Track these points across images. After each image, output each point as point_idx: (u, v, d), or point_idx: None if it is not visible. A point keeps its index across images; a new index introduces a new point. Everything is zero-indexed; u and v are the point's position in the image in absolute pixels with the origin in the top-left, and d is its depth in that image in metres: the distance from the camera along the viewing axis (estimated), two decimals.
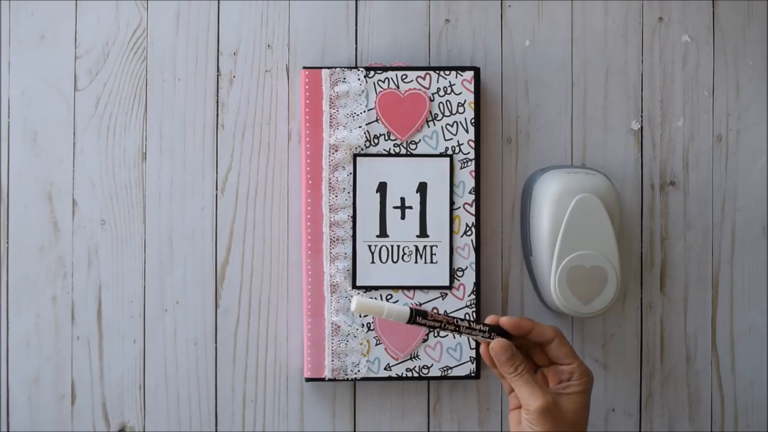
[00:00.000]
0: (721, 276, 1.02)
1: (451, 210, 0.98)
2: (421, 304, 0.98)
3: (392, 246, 0.98)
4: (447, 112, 0.98)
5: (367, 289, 0.98)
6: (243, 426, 1.00)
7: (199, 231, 1.00)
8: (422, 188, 0.98)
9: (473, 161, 0.98)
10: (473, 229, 0.98)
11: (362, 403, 1.00)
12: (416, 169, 0.98)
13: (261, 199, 1.00)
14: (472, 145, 0.98)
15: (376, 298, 0.97)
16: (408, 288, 0.98)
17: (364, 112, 0.98)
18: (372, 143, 0.98)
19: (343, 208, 0.98)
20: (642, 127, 1.01)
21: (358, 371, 0.98)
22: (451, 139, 0.98)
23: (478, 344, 0.98)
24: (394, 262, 0.98)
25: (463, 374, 0.98)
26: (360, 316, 0.98)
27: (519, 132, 1.01)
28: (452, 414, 1.01)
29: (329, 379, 0.98)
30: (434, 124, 0.98)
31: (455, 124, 0.98)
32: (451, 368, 0.98)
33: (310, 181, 0.98)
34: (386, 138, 0.98)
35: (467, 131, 0.98)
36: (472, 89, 0.98)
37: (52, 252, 0.99)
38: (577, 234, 0.93)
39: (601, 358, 1.01)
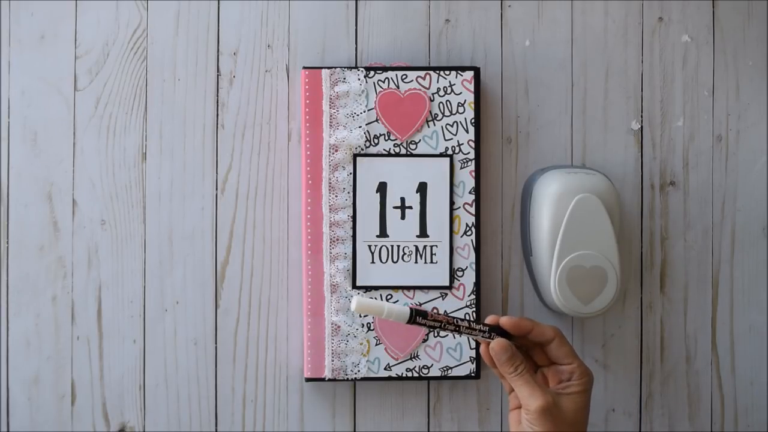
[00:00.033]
0: (721, 276, 1.02)
1: (451, 210, 0.98)
2: (421, 304, 0.98)
3: (392, 246, 0.98)
4: (447, 112, 0.98)
5: (367, 289, 0.98)
6: (243, 426, 1.00)
7: (199, 231, 1.00)
8: (422, 188, 0.98)
9: (473, 161, 0.98)
10: (473, 229, 0.98)
11: (362, 403, 1.00)
12: (416, 169, 0.98)
13: (261, 199, 1.00)
14: (472, 145, 0.98)
15: (376, 298, 0.97)
16: (408, 288, 0.98)
17: (364, 112, 0.98)
18: (372, 143, 0.98)
19: (343, 208, 0.98)
20: (642, 127, 1.02)
21: (358, 371, 0.98)
22: (451, 139, 0.98)
23: (478, 344, 0.98)
24: (394, 262, 0.98)
25: (463, 374, 0.98)
26: (360, 316, 0.98)
27: (519, 132, 1.01)
28: (452, 414, 1.01)
29: (329, 379, 0.98)
30: (434, 124, 0.98)
31: (455, 124, 0.98)
32: (451, 368, 0.98)
33: (310, 181, 0.98)
34: (386, 138, 0.98)
35: (467, 131, 0.98)
36: (472, 89, 0.98)
37: (52, 252, 0.99)
38: (577, 234, 0.93)
39: (601, 358, 1.01)
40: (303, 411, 1.00)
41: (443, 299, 0.98)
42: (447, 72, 0.98)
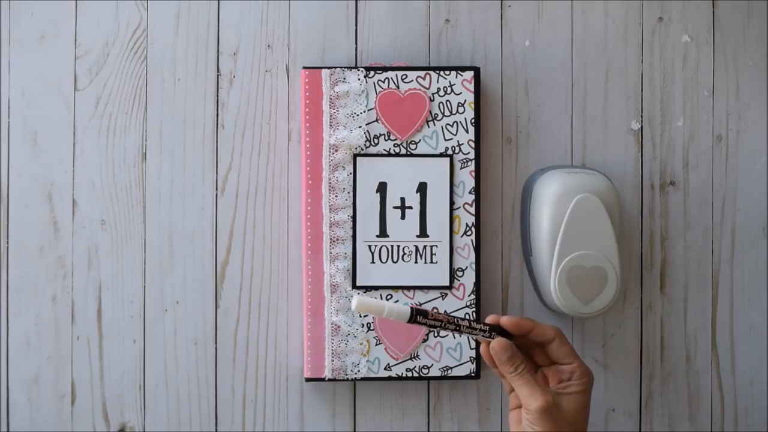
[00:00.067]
0: (721, 276, 1.02)
1: (451, 210, 0.98)
2: (420, 304, 0.98)
3: (392, 246, 0.98)
4: (447, 112, 0.98)
5: (367, 289, 0.98)
6: (243, 426, 1.00)
7: (199, 231, 1.00)
8: (422, 188, 0.98)
9: (473, 161, 0.98)
10: (473, 229, 0.98)
11: (362, 403, 1.00)
12: (416, 169, 0.98)
13: (261, 199, 1.00)
14: (472, 145, 0.98)
15: (376, 298, 0.97)
16: (408, 288, 0.98)
17: (364, 112, 0.98)
18: (372, 143, 0.98)
19: (343, 208, 0.98)
20: (642, 127, 1.02)
21: (358, 371, 0.98)
22: (451, 139, 0.98)
23: (478, 344, 0.98)
24: (394, 262, 0.98)
25: (463, 374, 0.98)
26: (360, 316, 0.98)
27: (519, 132, 1.01)
28: (452, 414, 1.01)
29: (329, 379, 0.98)
30: (434, 124, 0.98)
31: (455, 124, 0.98)
32: (451, 368, 0.98)
33: (310, 181, 0.98)
34: (386, 138, 0.98)
35: (467, 131, 0.98)
36: (472, 89, 0.98)
37: (52, 252, 0.99)
38: (577, 234, 0.93)
39: (601, 358, 1.01)
40: (303, 411, 1.00)
41: (443, 299, 0.98)
42: (447, 72, 0.98)
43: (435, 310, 0.97)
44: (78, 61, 0.99)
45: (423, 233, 0.98)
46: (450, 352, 0.98)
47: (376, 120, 0.98)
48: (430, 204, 0.98)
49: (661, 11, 1.01)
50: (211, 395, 0.99)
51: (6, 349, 0.99)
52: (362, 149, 0.98)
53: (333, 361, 0.97)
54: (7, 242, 0.99)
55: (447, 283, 0.98)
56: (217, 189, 1.00)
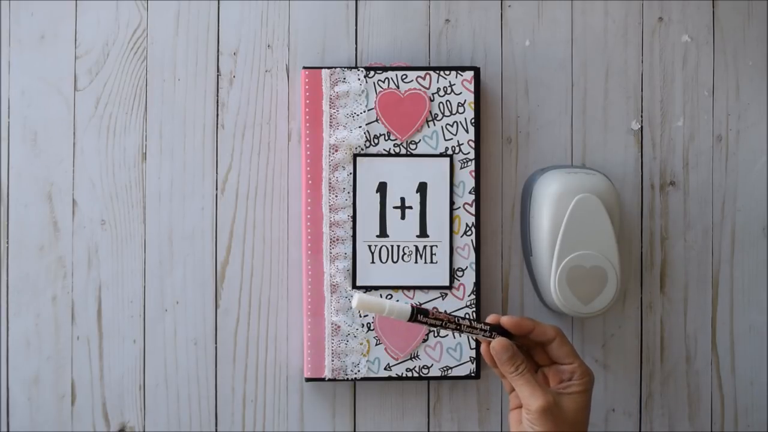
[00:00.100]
0: (721, 276, 1.02)
1: (451, 210, 0.98)
2: (421, 304, 0.98)
3: (392, 246, 0.98)
4: (447, 112, 0.98)
5: (367, 289, 0.98)
6: (243, 426, 1.00)
7: (199, 231, 1.00)
8: (422, 188, 0.98)
9: (473, 161, 0.98)
10: (473, 229, 0.98)
11: (362, 403, 1.00)
12: (416, 169, 0.98)
13: (261, 199, 1.00)
14: (472, 145, 0.98)
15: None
16: (408, 288, 0.98)
17: (364, 112, 0.98)
18: (372, 143, 0.98)
19: (343, 208, 0.98)
20: (642, 127, 1.01)
21: (358, 371, 0.98)
22: (451, 139, 0.98)
23: (478, 344, 0.98)
24: (394, 262, 0.98)
25: (463, 374, 0.98)
26: (360, 316, 0.98)
27: (519, 132, 1.01)
28: (452, 414, 1.01)
29: (329, 379, 0.98)
30: (434, 124, 0.98)
31: (455, 124, 0.98)
32: (451, 368, 0.98)
33: (310, 181, 0.98)
34: (386, 138, 0.98)
35: (467, 131, 0.98)
36: (472, 89, 0.98)
37: (52, 252, 0.99)
38: (577, 234, 0.93)
39: (601, 358, 1.01)
40: (303, 411, 1.00)
41: (443, 299, 0.98)
42: (447, 72, 0.98)
43: (435, 310, 0.97)
44: (78, 61, 0.99)
45: (423, 233, 0.98)
46: (450, 352, 0.98)
47: (376, 120, 0.98)
48: (430, 204, 0.98)
49: (661, 11, 1.01)
50: (211, 395, 0.99)
51: (6, 349, 0.99)
52: (362, 149, 0.98)
53: (333, 361, 0.97)
54: (7, 242, 0.99)
55: (447, 283, 0.98)
56: (217, 189, 1.00)
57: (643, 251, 1.01)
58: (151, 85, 0.99)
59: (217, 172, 1.00)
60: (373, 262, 0.98)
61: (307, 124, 0.98)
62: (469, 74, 0.98)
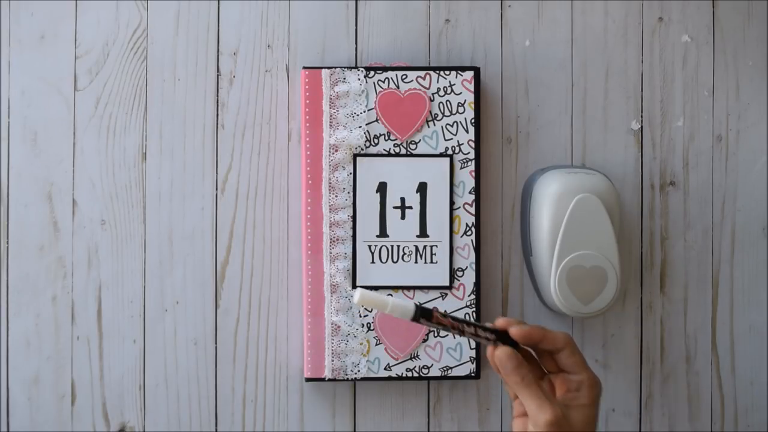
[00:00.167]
0: (721, 276, 1.02)
1: (451, 210, 0.98)
2: (422, 304, 0.98)
3: (392, 246, 0.98)
4: (447, 112, 0.98)
5: (367, 289, 0.98)
6: (243, 426, 1.00)
7: (199, 231, 1.00)
8: (422, 188, 0.98)
9: (473, 161, 0.98)
10: (473, 229, 0.98)
11: (362, 403, 1.00)
12: (416, 169, 0.98)
13: (261, 199, 1.00)
14: (472, 145, 0.98)
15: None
16: (408, 288, 0.98)
17: (364, 112, 0.98)
18: (372, 143, 0.98)
19: (343, 208, 0.98)
20: (642, 127, 1.02)
21: (358, 371, 0.98)
22: (451, 139, 0.98)
23: (478, 343, 0.98)
24: (394, 262, 0.98)
25: (463, 374, 0.98)
26: (360, 315, 0.98)
27: (519, 132, 1.01)
28: (452, 414, 1.01)
29: (329, 379, 0.98)
30: (434, 124, 0.98)
31: (455, 124, 0.98)
32: (451, 368, 0.98)
33: (310, 181, 0.98)
34: (386, 138, 0.98)
35: (467, 131, 0.98)
36: (472, 89, 0.98)
37: (52, 252, 0.99)
38: (577, 234, 0.93)
39: (601, 358, 1.01)
40: (303, 411, 1.00)
41: (443, 299, 0.98)
42: (447, 72, 0.98)
43: (437, 309, 0.97)
44: (78, 61, 0.99)
45: (423, 233, 0.98)
46: (450, 352, 0.98)
47: (376, 120, 0.98)
48: (430, 204, 0.98)
49: (661, 11, 1.01)
50: (211, 395, 0.99)
51: (6, 349, 0.99)
52: (362, 149, 0.98)
53: (333, 361, 0.97)
54: (7, 242, 0.99)
55: (447, 283, 0.98)
56: (217, 189, 1.00)
57: (643, 251, 1.01)
58: (151, 85, 0.99)
59: (217, 172, 1.00)
60: (373, 262, 0.98)
61: (307, 124, 0.98)
62: (469, 74, 0.98)
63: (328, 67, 0.98)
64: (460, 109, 0.98)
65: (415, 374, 0.98)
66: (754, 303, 1.02)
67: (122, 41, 0.99)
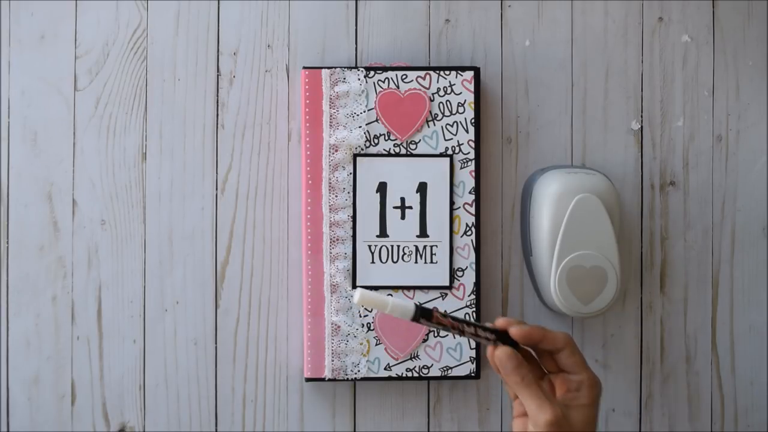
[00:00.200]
0: (721, 276, 1.02)
1: (451, 210, 0.98)
2: (421, 304, 0.98)
3: (392, 246, 0.98)
4: (447, 112, 0.98)
5: (367, 289, 0.98)
6: (243, 426, 1.00)
7: (199, 231, 1.00)
8: (422, 188, 0.98)
9: (473, 161, 0.98)
10: (473, 229, 0.98)
11: (362, 403, 1.00)
12: (416, 169, 0.98)
13: (261, 199, 1.00)
14: (472, 145, 0.98)
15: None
16: (408, 288, 0.98)
17: (364, 112, 0.98)
18: (372, 143, 0.98)
19: (343, 208, 0.98)
20: (642, 127, 1.02)
21: (358, 371, 0.98)
22: (451, 139, 0.98)
23: (478, 343, 0.98)
24: (394, 262, 0.98)
25: (463, 374, 0.98)
26: (360, 316, 0.98)
27: (519, 132, 1.01)
28: (452, 414, 1.01)
29: (329, 379, 0.98)
30: (434, 124, 0.98)
31: (455, 124, 0.98)
32: (451, 368, 0.98)
33: (310, 181, 0.98)
34: (386, 138, 0.98)
35: (467, 131, 0.98)
36: (472, 89, 0.98)
37: (52, 252, 0.99)
38: (577, 234, 0.93)
39: (601, 358, 1.01)
40: (303, 411, 1.00)
41: (443, 299, 0.98)
42: (447, 72, 0.98)
43: (437, 310, 0.97)
44: (78, 61, 0.99)
45: (423, 233, 0.98)
46: (450, 352, 0.98)
47: (376, 120, 0.98)
48: (430, 204, 0.98)
49: (661, 11, 1.01)
50: (211, 395, 0.99)
51: (6, 349, 0.99)
52: (362, 149, 0.98)
53: (333, 361, 0.97)
54: (7, 242, 0.99)
55: (447, 283, 0.98)
56: (217, 189, 1.00)
57: (643, 251, 1.01)
58: (151, 85, 0.99)
59: (217, 172, 1.00)
60: (373, 262, 0.98)
61: (307, 124, 0.98)
62: (469, 74, 0.98)
63: (328, 67, 0.98)
64: (460, 109, 0.98)
65: (415, 374, 0.98)
66: (754, 303, 1.02)
67: (122, 41, 0.99)
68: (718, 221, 1.02)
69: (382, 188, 0.98)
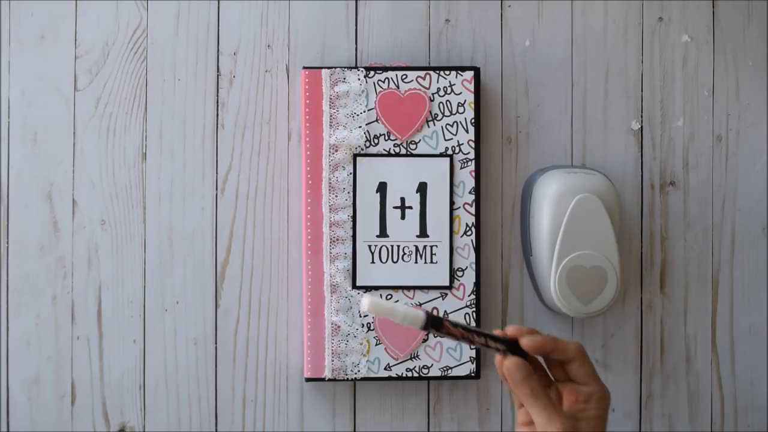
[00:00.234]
0: (721, 276, 1.02)
1: (451, 210, 0.98)
2: (420, 304, 0.98)
3: (392, 246, 0.98)
4: (447, 112, 0.98)
5: (367, 289, 0.98)
6: (243, 426, 0.99)
7: (199, 231, 1.00)
8: (422, 188, 0.98)
9: (473, 161, 0.98)
10: (473, 229, 0.98)
11: (362, 403, 1.00)
12: (416, 169, 0.98)
13: (261, 199, 1.00)
14: (472, 145, 0.98)
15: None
16: (408, 288, 0.98)
17: (364, 112, 0.98)
18: (372, 143, 0.98)
19: (343, 208, 0.98)
20: (642, 127, 1.01)
21: (358, 371, 0.98)
22: (451, 139, 0.98)
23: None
24: (394, 262, 0.98)
25: (463, 374, 0.98)
26: (360, 316, 0.98)
27: (519, 132, 1.01)
28: (452, 414, 1.01)
29: (329, 379, 0.98)
30: (434, 124, 0.98)
31: (455, 124, 0.98)
32: (451, 368, 0.98)
33: (310, 181, 0.98)
34: (386, 138, 0.98)
35: (467, 131, 0.98)
36: (472, 89, 0.98)
37: (52, 252, 0.99)
38: (577, 234, 0.93)
39: (601, 358, 1.01)
40: (303, 411, 1.00)
41: (443, 299, 0.98)
42: (447, 72, 0.98)
43: (447, 316, 0.96)
44: (78, 61, 0.99)
45: (423, 233, 0.98)
46: (450, 352, 0.98)
47: (376, 120, 0.98)
48: (430, 204, 0.98)
49: (661, 11, 1.01)
50: (211, 395, 0.99)
51: (6, 349, 0.99)
52: (362, 149, 0.98)
53: (333, 361, 0.97)
54: (7, 242, 0.99)
55: (447, 283, 0.98)
56: (217, 189, 1.00)
57: (643, 251, 1.01)
58: (151, 85, 0.99)
59: (217, 172, 1.00)
60: (373, 262, 0.98)
61: (307, 124, 0.98)
62: (469, 74, 0.98)
63: (328, 67, 0.98)
64: (460, 109, 0.98)
65: (415, 374, 0.98)
66: (754, 303, 1.02)
67: (122, 41, 0.99)
68: (718, 221, 1.02)
69: (382, 188, 0.98)
